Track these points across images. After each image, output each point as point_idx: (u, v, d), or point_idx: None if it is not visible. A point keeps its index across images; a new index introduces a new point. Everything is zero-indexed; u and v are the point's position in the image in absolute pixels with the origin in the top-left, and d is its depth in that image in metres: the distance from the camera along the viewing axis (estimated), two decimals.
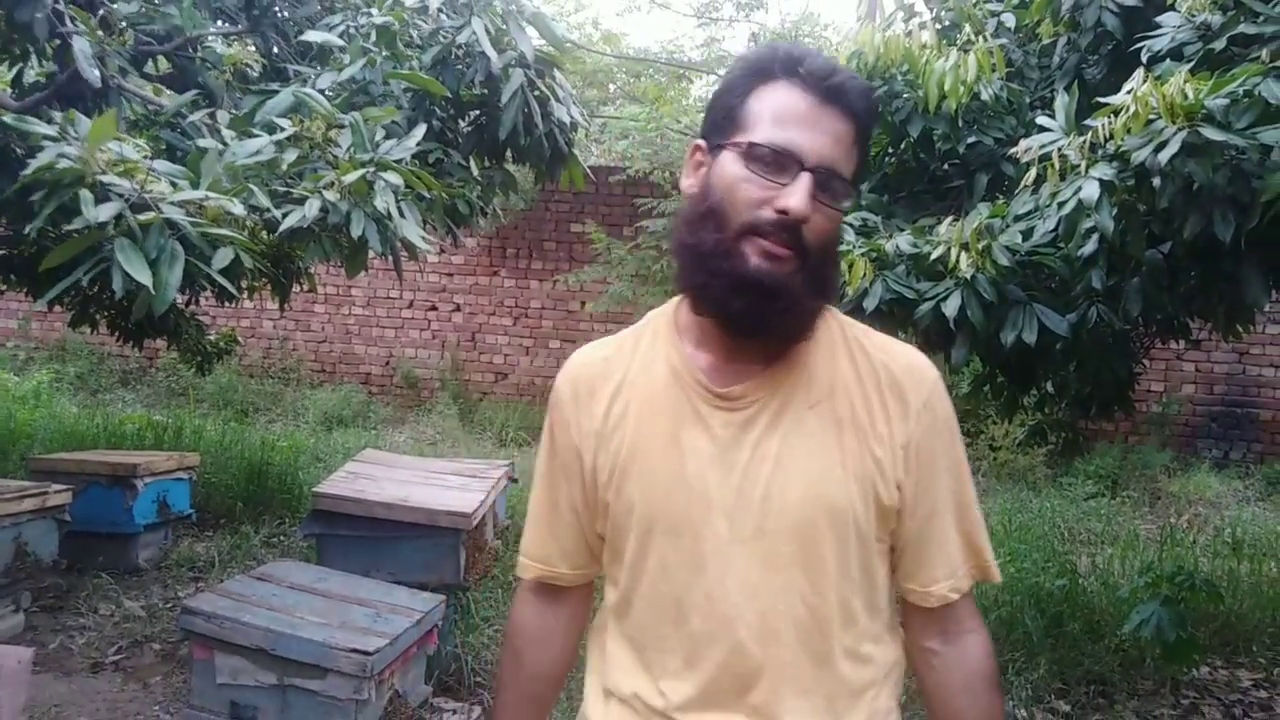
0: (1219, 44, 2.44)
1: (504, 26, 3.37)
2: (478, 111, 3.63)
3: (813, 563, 1.03)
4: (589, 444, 1.12)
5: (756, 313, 0.99)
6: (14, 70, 3.71)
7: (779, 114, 0.99)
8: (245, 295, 4.42)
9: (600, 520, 1.13)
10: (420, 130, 2.85)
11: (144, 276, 2.00)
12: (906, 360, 1.09)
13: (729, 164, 1.01)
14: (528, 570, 1.21)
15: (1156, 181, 2.16)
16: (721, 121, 1.04)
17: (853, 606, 1.05)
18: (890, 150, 3.48)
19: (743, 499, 1.03)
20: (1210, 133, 2.07)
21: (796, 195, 0.96)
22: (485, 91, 3.45)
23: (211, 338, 5.70)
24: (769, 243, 0.98)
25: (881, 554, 1.08)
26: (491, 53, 3.24)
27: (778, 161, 0.98)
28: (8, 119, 2.47)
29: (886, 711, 1.09)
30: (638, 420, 1.09)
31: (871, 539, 1.05)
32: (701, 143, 1.08)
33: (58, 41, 3.06)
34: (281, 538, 4.94)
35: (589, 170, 3.85)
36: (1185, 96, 2.11)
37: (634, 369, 1.12)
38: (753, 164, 0.99)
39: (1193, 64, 2.39)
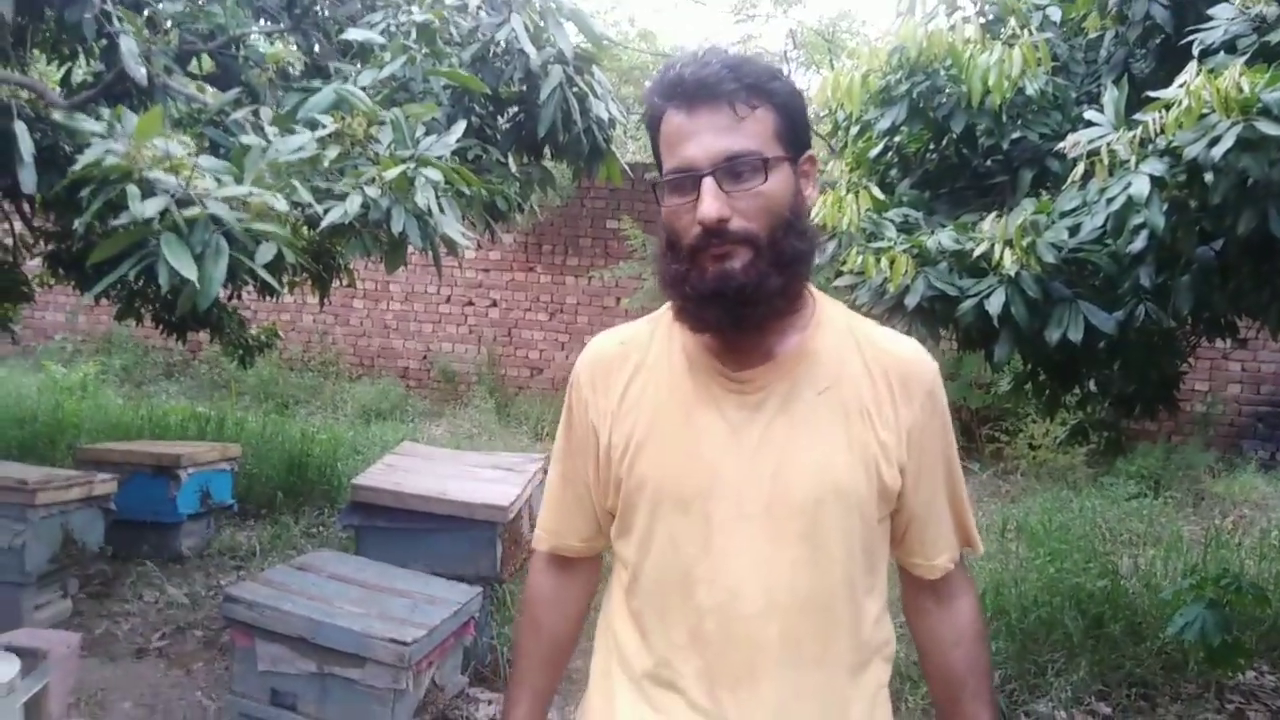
0: (1275, 36, 2.38)
1: (542, 24, 3.36)
2: (517, 108, 3.63)
3: (818, 539, 1.10)
4: (605, 423, 1.20)
5: (731, 314, 1.07)
6: (62, 69, 3.79)
7: (669, 142, 1.09)
8: (286, 290, 4.47)
9: (611, 496, 1.20)
10: (460, 127, 2.86)
11: (189, 271, 2.02)
12: (911, 352, 1.19)
13: (665, 203, 1.11)
14: (542, 542, 1.32)
15: (1209, 177, 2.12)
16: (658, 167, 1.14)
17: (856, 585, 1.13)
18: (932, 146, 3.44)
19: (753, 478, 1.10)
20: (1266, 127, 2.02)
21: (704, 204, 1.04)
22: (524, 88, 3.44)
23: (253, 331, 5.79)
24: (712, 249, 1.06)
25: (882, 536, 1.17)
26: (530, 50, 3.24)
27: (684, 184, 1.07)
28: (58, 116, 2.52)
29: (880, 686, 1.17)
30: (655, 401, 1.17)
31: (873, 519, 1.13)
32: None
33: (105, 41, 3.11)
34: (320, 528, 5.01)
35: (625, 166, 3.83)
36: (1240, 90, 2.07)
37: (651, 354, 1.20)
38: (672, 197, 1.09)
39: (1247, 57, 2.33)
